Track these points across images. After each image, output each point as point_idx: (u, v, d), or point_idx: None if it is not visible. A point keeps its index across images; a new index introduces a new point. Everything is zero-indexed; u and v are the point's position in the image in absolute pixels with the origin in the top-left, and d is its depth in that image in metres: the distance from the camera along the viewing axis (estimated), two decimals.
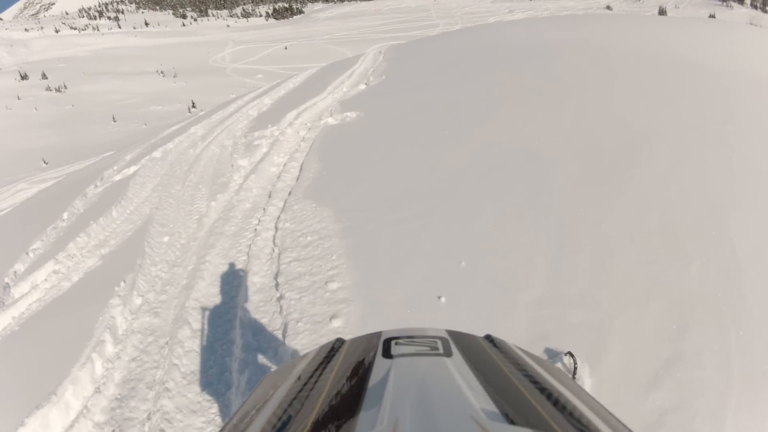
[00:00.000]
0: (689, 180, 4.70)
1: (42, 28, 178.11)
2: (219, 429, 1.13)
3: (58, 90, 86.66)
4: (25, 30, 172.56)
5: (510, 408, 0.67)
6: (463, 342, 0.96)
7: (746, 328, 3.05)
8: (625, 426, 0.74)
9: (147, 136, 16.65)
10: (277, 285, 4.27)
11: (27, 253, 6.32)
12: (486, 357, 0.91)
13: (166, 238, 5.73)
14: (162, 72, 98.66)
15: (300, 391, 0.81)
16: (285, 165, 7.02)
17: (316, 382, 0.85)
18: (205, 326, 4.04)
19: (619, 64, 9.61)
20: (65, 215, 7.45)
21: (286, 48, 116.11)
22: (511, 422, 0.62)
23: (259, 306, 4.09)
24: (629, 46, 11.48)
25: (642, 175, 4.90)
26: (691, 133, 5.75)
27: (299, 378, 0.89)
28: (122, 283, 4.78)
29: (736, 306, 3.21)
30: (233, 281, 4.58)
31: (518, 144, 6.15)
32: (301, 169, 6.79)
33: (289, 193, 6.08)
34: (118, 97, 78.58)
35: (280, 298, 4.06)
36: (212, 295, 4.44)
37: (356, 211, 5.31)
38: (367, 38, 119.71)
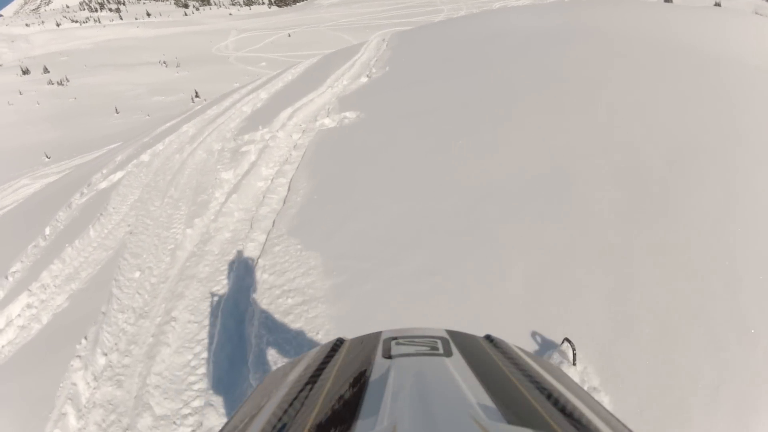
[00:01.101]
0: (746, 214, 3.81)
1: (43, 22, 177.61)
2: (219, 429, 0.96)
3: (60, 83, 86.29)
4: (26, 25, 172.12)
5: (510, 408, 0.66)
6: (463, 342, 0.95)
7: None
8: (625, 426, 0.73)
9: (146, 130, 15.95)
10: (249, 370, 3.39)
11: (6, 277, 5.90)
12: (486, 357, 0.89)
13: (137, 274, 4.98)
14: (164, 62, 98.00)
15: (300, 391, 0.80)
16: (272, 180, 6.10)
17: (316, 382, 0.83)
18: (169, 414, 3.25)
19: (640, 55, 8.65)
20: (47, 230, 7.05)
21: (289, 35, 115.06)
22: (511, 422, 0.62)
23: (228, 396, 3.29)
24: (646, 35, 10.47)
25: (696, 206, 3.96)
26: (736, 144, 4.84)
27: (299, 378, 0.87)
28: (83, 341, 4.12)
29: None
30: (201, 353, 3.72)
31: (546, 159, 5.04)
32: (289, 189, 5.82)
33: (273, 224, 5.08)
34: (121, 88, 78.23)
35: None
36: (177, 369, 3.62)
37: (351, 259, 4.15)
38: (371, 24, 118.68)
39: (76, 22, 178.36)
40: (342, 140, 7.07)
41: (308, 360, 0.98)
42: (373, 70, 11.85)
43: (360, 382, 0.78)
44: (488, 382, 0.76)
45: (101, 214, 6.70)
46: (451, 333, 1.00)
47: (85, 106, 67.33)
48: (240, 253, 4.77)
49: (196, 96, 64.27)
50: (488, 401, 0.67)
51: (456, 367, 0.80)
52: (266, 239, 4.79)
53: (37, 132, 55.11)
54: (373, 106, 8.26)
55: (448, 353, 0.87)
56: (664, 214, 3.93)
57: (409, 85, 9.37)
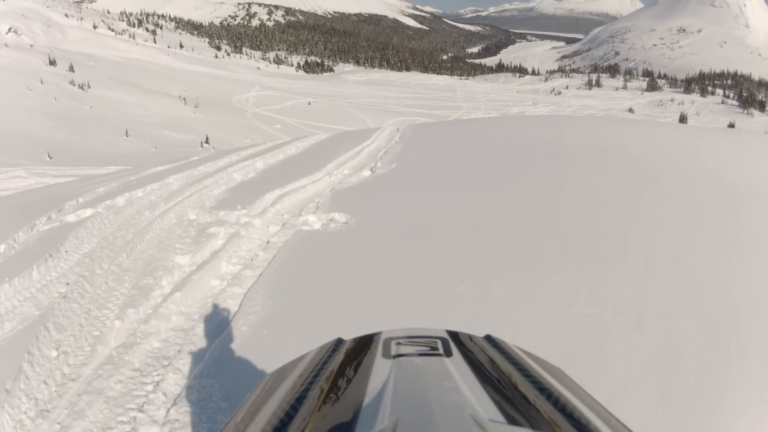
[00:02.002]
0: None
1: (82, 18, 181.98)
2: (219, 429, 0.95)
3: (81, 87, 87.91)
4: (65, 15, 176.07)
5: (510, 408, 0.67)
6: (463, 342, 0.95)
7: None
8: (625, 426, 0.73)
9: (142, 166, 15.47)
10: None
11: None
12: (486, 357, 0.90)
13: (53, 353, 4.22)
14: (184, 99, 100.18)
15: (299, 391, 0.79)
16: (227, 286, 5.21)
17: (316, 381, 0.82)
18: None
19: (667, 183, 8.37)
20: (1, 248, 6.66)
21: (309, 103, 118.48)
22: (511, 422, 0.62)
23: None
24: (669, 159, 10.38)
25: (732, 415, 3.32)
26: None
27: (299, 378, 0.86)
28: None
29: None
30: None
31: (569, 333, 4.12)
32: (240, 306, 4.85)
33: (205, 354, 4.10)
34: (138, 111, 79.83)
35: None
36: None
37: None
38: (390, 109, 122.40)
39: (113, 30, 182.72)
40: (321, 252, 6.13)
41: (308, 360, 0.95)
42: (379, 165, 11.34)
43: (360, 382, 0.77)
44: (488, 382, 0.75)
45: (51, 255, 6.05)
46: (451, 333, 0.98)
47: (98, 119, 68.25)
48: (158, 380, 3.89)
49: (206, 141, 64.88)
50: (488, 401, 0.67)
51: (456, 367, 0.79)
52: (190, 373, 3.88)
53: (47, 127, 55.79)
54: (368, 213, 7.45)
55: (448, 353, 0.86)
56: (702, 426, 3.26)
57: (414, 191, 8.69)
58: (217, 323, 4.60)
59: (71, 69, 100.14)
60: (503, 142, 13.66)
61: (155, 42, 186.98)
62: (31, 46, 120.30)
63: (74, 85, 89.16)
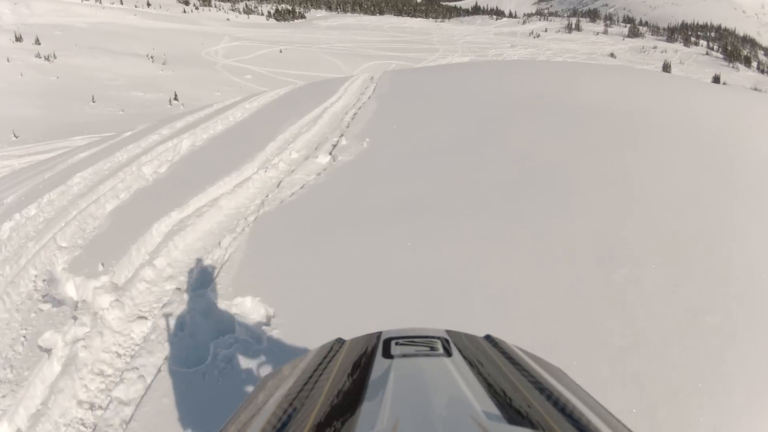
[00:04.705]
0: None
1: None
2: (219, 429, 0.80)
3: (47, 59, 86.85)
4: None
5: (510, 408, 0.66)
6: (463, 342, 0.95)
7: None
8: (625, 426, 0.72)
9: (66, 154, 13.00)
10: None
11: None
12: (486, 357, 0.89)
13: None
14: (152, 57, 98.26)
15: (300, 391, 0.79)
16: None
17: (315, 382, 0.83)
18: None
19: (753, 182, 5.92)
20: None
21: (281, 51, 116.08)
22: (511, 422, 0.62)
23: None
24: (714, 137, 7.60)
25: None
26: None
27: (299, 378, 0.86)
28: None
29: None
30: None
31: None
32: None
33: None
34: (104, 75, 78.26)
35: None
36: None
37: None
38: (365, 53, 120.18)
39: None
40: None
41: (308, 360, 0.94)
42: (344, 141, 8.43)
43: (360, 382, 0.77)
44: (488, 382, 0.74)
45: None
46: (451, 333, 0.97)
47: (64, 88, 66.05)
48: None
49: (175, 98, 62.10)
50: (488, 401, 0.66)
51: (456, 367, 0.79)
52: None
53: (13, 105, 53.83)
54: (304, 296, 4.14)
55: (448, 353, 0.85)
56: None
57: (398, 217, 5.26)
58: None
59: (37, 42, 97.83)
60: (503, 98, 10.64)
61: (122, 3, 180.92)
62: None
63: (40, 57, 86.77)
